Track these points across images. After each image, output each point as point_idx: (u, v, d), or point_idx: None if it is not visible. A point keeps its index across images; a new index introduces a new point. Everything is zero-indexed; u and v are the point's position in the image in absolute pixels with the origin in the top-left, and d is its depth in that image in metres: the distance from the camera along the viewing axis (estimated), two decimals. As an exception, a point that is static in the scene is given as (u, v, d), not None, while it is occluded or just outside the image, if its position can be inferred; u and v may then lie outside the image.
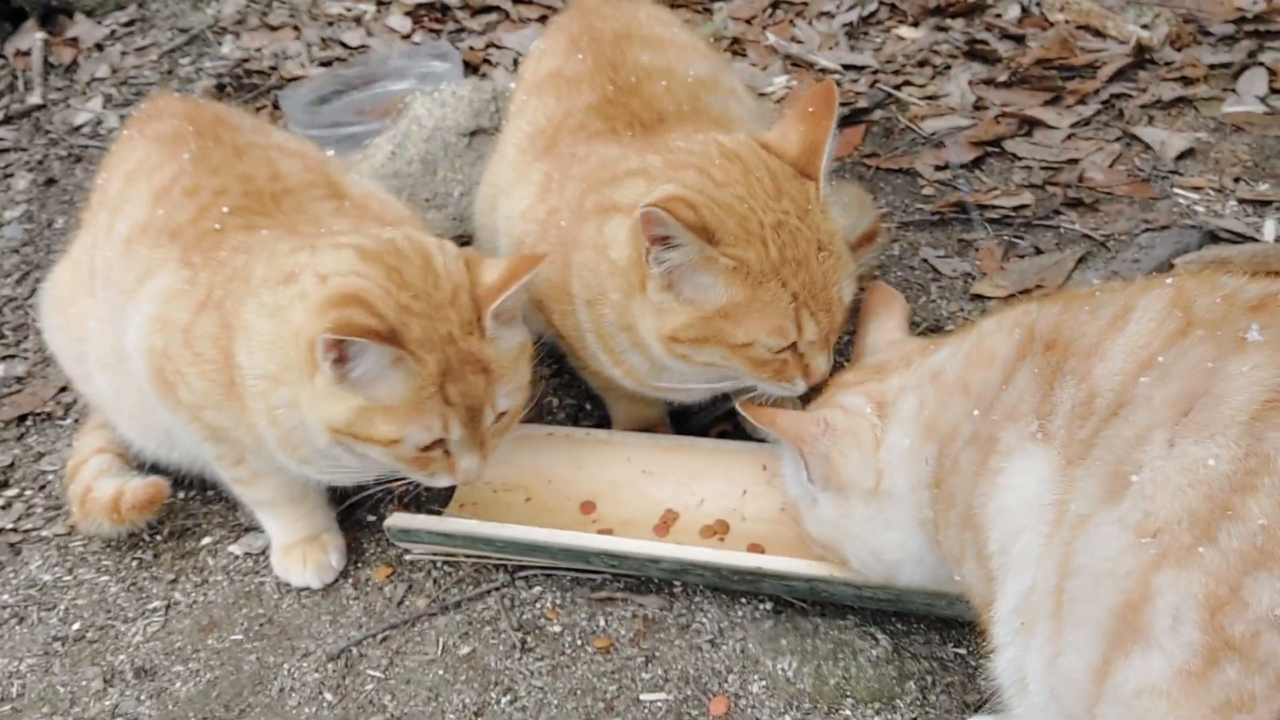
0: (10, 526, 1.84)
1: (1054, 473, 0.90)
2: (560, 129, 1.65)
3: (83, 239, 1.75)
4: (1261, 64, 2.47)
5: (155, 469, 1.79)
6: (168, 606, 1.64)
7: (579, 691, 1.42)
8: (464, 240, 2.12)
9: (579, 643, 1.49)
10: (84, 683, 1.53)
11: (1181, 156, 2.24)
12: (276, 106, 2.91)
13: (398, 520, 1.56)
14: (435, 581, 1.62)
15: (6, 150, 3.06)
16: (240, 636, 1.57)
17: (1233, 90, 2.41)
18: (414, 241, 1.37)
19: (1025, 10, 2.91)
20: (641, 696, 1.40)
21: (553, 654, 1.48)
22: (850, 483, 1.16)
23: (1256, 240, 1.96)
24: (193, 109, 1.69)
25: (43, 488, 1.91)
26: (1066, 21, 2.81)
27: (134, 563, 1.73)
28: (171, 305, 1.45)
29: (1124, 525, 0.79)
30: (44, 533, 1.82)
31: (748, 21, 3.13)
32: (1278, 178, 2.12)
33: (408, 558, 1.64)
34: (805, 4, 3.17)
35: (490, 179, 1.80)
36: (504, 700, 1.42)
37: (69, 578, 1.72)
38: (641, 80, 1.61)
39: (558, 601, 1.55)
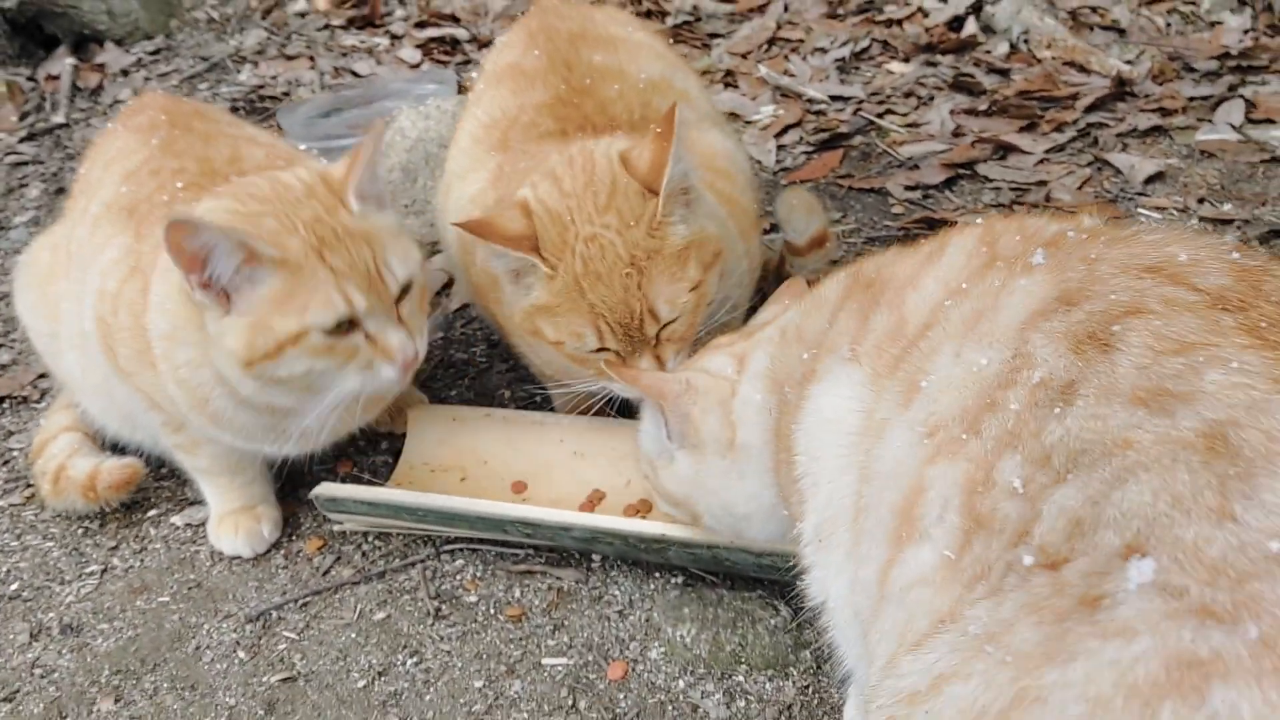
0: (-34, 495, 1.88)
1: (859, 390, 0.90)
2: (514, 124, 1.69)
3: (63, 225, 1.82)
4: (1241, 96, 2.47)
5: (117, 448, 1.83)
6: (104, 570, 1.67)
7: (484, 655, 1.42)
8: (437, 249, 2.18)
9: (492, 611, 1.49)
10: (11, 636, 1.56)
11: (1150, 180, 2.24)
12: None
13: (325, 489, 1.58)
14: (364, 554, 1.63)
15: (25, 163, 3.19)
16: (167, 599, 1.59)
17: (1209, 120, 2.41)
18: (283, 174, 1.43)
19: (1014, 47, 2.95)
20: (543, 661, 1.39)
21: (465, 621, 1.48)
22: (708, 439, 1.17)
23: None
24: (173, 103, 1.77)
25: (6, 463, 1.95)
26: (1054, 58, 2.85)
27: (79, 530, 1.76)
28: (109, 275, 1.51)
29: (912, 426, 0.80)
30: (0, 503, 1.86)
31: (743, 56, 3.20)
32: (1243, 199, 2.11)
33: (338, 529, 1.65)
34: (801, 41, 3.24)
35: (448, 167, 1.85)
36: (409, 662, 1.42)
37: (15, 543, 1.76)
38: (595, 82, 1.66)
39: (479, 574, 1.56)
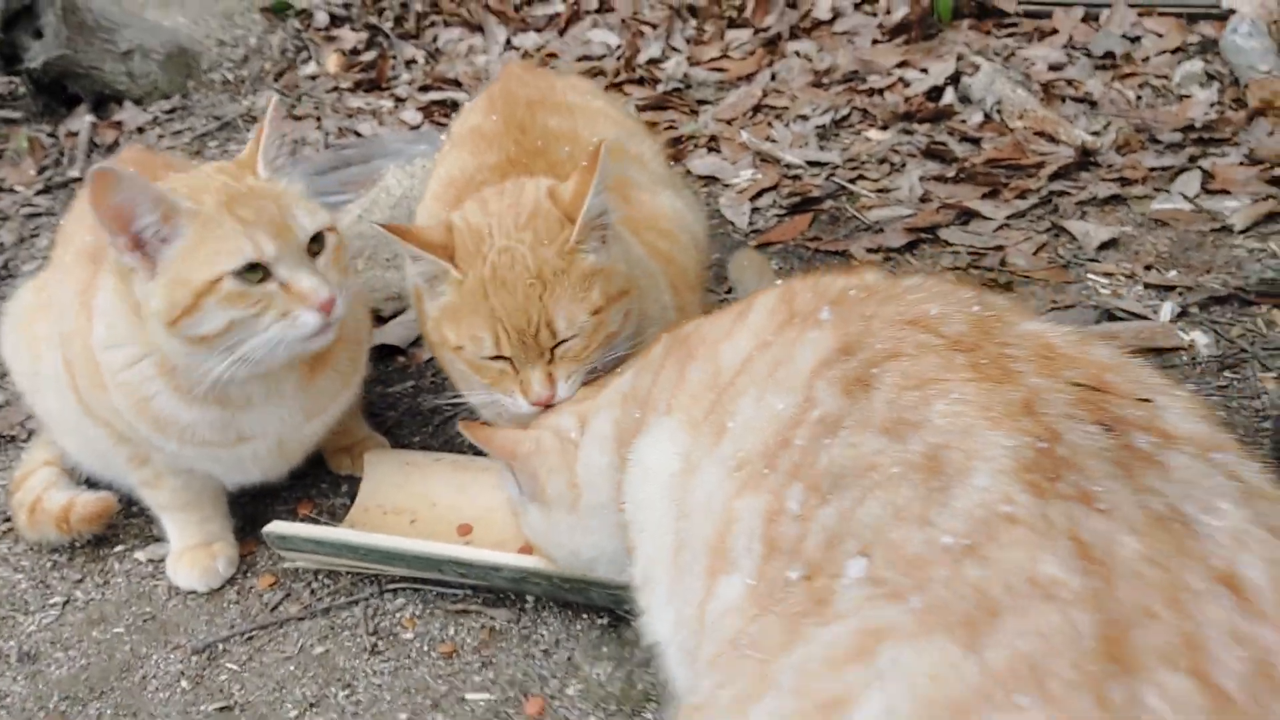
0: (-54, 529, 1.97)
1: (677, 436, 0.97)
2: (469, 183, 1.78)
3: (46, 272, 1.93)
4: (1200, 167, 2.54)
5: (91, 484, 1.92)
6: (66, 602, 1.74)
7: (412, 690, 1.47)
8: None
9: (425, 648, 1.55)
10: (-29, 662, 1.63)
11: (1104, 246, 2.30)
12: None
13: (276, 527, 1.65)
14: (312, 591, 1.70)
15: (39, 215, 3.34)
16: (122, 630, 1.66)
17: (1166, 190, 2.47)
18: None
19: (988, 117, 3.03)
20: (467, 696, 1.45)
21: (399, 657, 1.53)
22: (553, 497, 1.24)
23: (1149, 320, 2.00)
24: (146, 156, 1.88)
25: (-13, 497, 2.04)
26: (1025, 127, 2.92)
27: (48, 563, 1.84)
28: (67, 315, 1.61)
29: (722, 463, 0.86)
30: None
31: (729, 122, 3.30)
32: (1189, 267, 2.17)
33: (289, 566, 1.72)
34: (786, 108, 3.34)
35: (415, 223, 1.95)
36: (341, 694, 1.48)
37: (-13, 574, 1.84)
38: (547, 143, 1.75)
39: (417, 612, 1.62)
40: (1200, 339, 1.93)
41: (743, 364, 0.93)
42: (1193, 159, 2.59)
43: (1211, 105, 2.84)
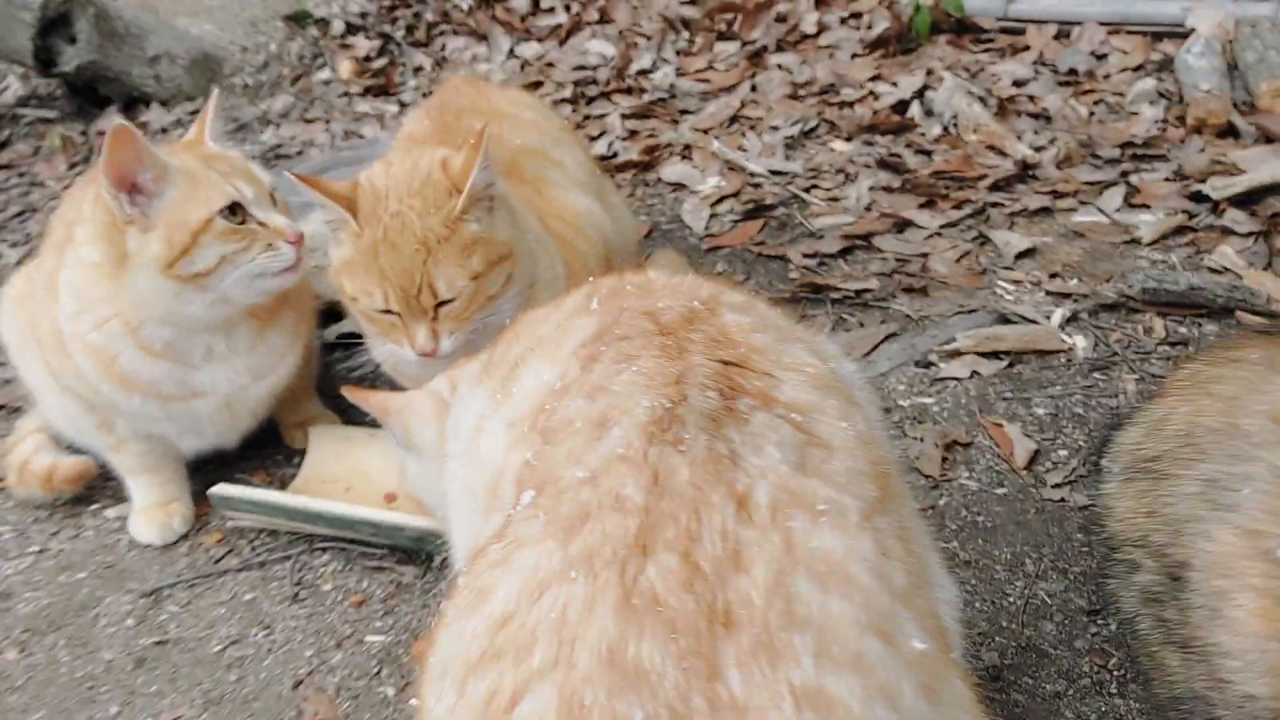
0: (-53, 484, 2.22)
1: (480, 401, 1.14)
2: None
3: (36, 259, 2.17)
4: (1128, 182, 2.66)
5: (74, 450, 2.15)
6: (40, 551, 1.97)
7: (321, 632, 1.67)
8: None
9: (340, 598, 1.75)
10: (-47, 597, 1.86)
11: (1021, 255, 2.44)
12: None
13: (219, 489, 1.87)
14: (253, 548, 1.90)
15: (65, 208, 3.61)
16: (84, 575, 1.88)
17: (1092, 203, 2.60)
18: None
19: (945, 130, 3.17)
20: (366, 638, 1.64)
21: (316, 605, 1.74)
22: (423, 447, 1.40)
23: (1037, 324, 2.14)
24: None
25: (-11, 460, 2.29)
26: (978, 141, 3.06)
27: (30, 518, 2.07)
28: (39, 297, 1.84)
29: (503, 423, 1.03)
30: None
31: (705, 131, 3.47)
32: (1092, 276, 2.30)
33: (236, 526, 1.93)
34: (760, 119, 3.50)
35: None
36: (260, 634, 1.69)
37: (-22, 526, 2.08)
38: (464, 140, 1.94)
39: (338, 568, 1.82)
40: (1081, 343, 2.06)
41: (537, 342, 1.11)
42: (1124, 174, 2.71)
43: (1156, 122, 2.96)
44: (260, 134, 3.96)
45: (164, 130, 4.05)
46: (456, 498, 1.16)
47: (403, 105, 4.04)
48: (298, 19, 4.53)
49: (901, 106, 3.36)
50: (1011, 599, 1.56)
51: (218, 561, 1.88)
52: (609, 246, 2.00)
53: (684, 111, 3.66)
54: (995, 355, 2.08)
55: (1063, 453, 1.81)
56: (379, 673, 1.58)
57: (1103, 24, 3.55)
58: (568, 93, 3.82)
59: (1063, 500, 1.71)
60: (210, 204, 1.68)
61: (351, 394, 1.46)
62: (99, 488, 2.13)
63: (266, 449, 2.14)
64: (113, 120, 4.09)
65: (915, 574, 0.78)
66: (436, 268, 1.59)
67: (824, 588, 0.70)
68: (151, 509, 1.95)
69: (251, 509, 1.86)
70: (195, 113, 4.18)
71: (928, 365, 2.10)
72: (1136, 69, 3.32)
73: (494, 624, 0.73)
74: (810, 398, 0.86)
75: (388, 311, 1.64)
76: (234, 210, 1.70)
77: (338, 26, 4.49)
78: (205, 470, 2.06)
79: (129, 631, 1.73)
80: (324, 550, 1.86)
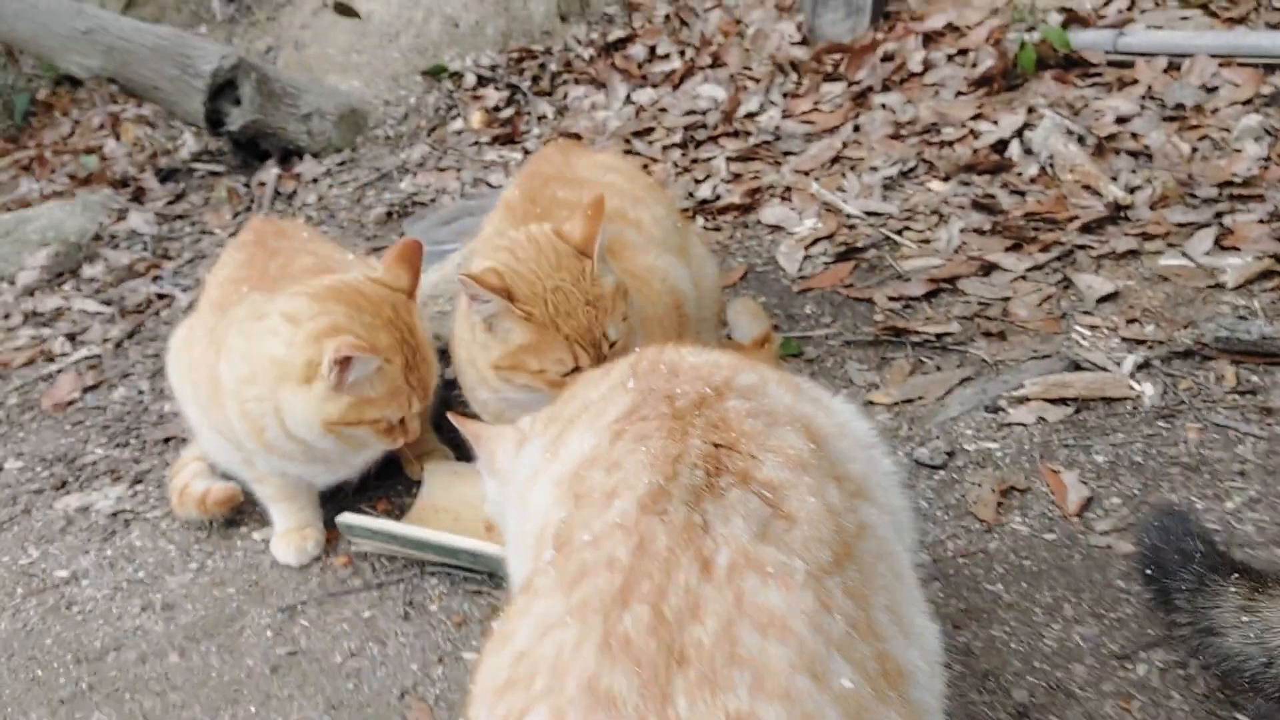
0: (129, 509, 2.57)
1: (536, 454, 1.32)
2: (490, 244, 2.22)
3: (195, 314, 2.49)
4: (1221, 223, 2.67)
5: (226, 478, 2.47)
6: (199, 568, 2.29)
7: (426, 648, 1.91)
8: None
9: (444, 618, 1.98)
10: (128, 607, 2.19)
11: (1103, 300, 2.50)
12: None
13: (345, 518, 2.14)
14: (374, 570, 2.16)
15: (228, 254, 4.03)
16: (233, 590, 2.18)
17: (1179, 246, 2.63)
18: (347, 280, 2.00)
19: (1043, 170, 3.22)
20: (464, 655, 1.87)
21: (423, 623, 1.98)
22: (502, 474, 1.59)
23: (1107, 371, 2.20)
24: (265, 225, 2.42)
25: (159, 485, 2.64)
26: (1074, 180, 3.10)
27: (192, 539, 2.39)
28: (197, 348, 2.14)
29: (550, 479, 1.22)
30: (147, 515, 2.53)
31: (806, 173, 3.62)
32: (1171, 322, 2.34)
33: (357, 550, 2.20)
34: (861, 159, 3.62)
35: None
36: (375, 648, 1.94)
37: (150, 544, 2.41)
38: (548, 210, 2.17)
39: (444, 590, 2.05)
40: (1149, 390, 2.12)
41: (586, 407, 1.29)
42: (1218, 215, 2.72)
43: (1257, 160, 2.94)
44: (399, 183, 4.31)
45: (314, 180, 4.46)
46: (512, 537, 1.36)
47: (526, 152, 4.32)
48: (434, 73, 4.90)
49: (1001, 146, 3.41)
50: (1047, 641, 1.65)
51: (344, 582, 2.15)
52: (678, 298, 2.19)
53: (787, 153, 3.81)
54: (1062, 402, 2.16)
55: (1115, 500, 1.89)
56: (472, 686, 1.80)
57: (1214, 56, 3.51)
58: (678, 137, 4.02)
59: (1108, 547, 1.79)
60: (388, 410, 1.96)
61: (455, 419, 1.67)
62: (248, 512, 2.43)
63: (388, 480, 2.41)
64: (270, 174, 4.53)
65: (860, 625, 0.93)
66: (605, 319, 1.86)
67: (764, 635, 0.87)
68: (290, 533, 2.24)
69: (371, 536, 2.12)
70: (342, 164, 4.59)
71: (996, 410, 2.20)
72: (1245, 103, 3.28)
73: (513, 660, 0.93)
74: (785, 476, 1.03)
75: (574, 370, 1.87)
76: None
77: (470, 79, 4.83)
78: (337, 498, 2.34)
79: (268, 641, 2.01)
80: (433, 574, 2.10)
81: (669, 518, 0.97)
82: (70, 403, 3.12)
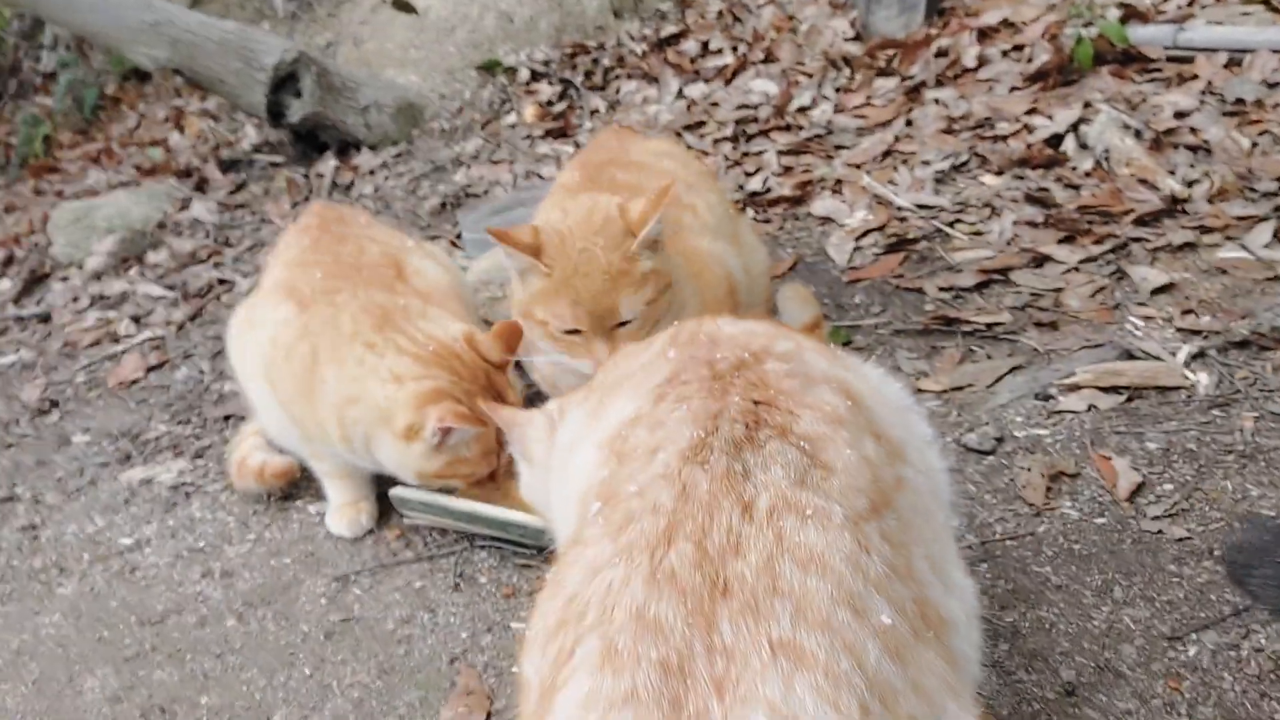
0: (190, 482, 2.65)
1: (578, 422, 1.35)
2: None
3: (253, 295, 2.54)
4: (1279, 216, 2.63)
5: (281, 451, 2.53)
6: (256, 539, 2.35)
7: (476, 618, 1.95)
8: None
9: (493, 590, 2.02)
10: (190, 575, 2.26)
11: (1158, 291, 2.47)
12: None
13: (397, 491, 2.18)
14: (425, 542, 2.21)
15: (287, 242, 4.11)
16: (289, 560, 2.24)
17: (1238, 239, 2.59)
18: (450, 340, 2.04)
19: (1098, 164, 3.19)
20: (512, 624, 1.91)
21: (472, 594, 2.02)
22: (536, 458, 1.62)
23: (1161, 360, 2.18)
24: (326, 210, 2.48)
25: (219, 460, 2.71)
26: (1130, 174, 3.07)
27: (250, 511, 2.46)
28: (278, 332, 2.19)
29: (592, 442, 1.24)
30: (208, 488, 2.61)
31: (857, 166, 3.62)
32: (1228, 313, 2.31)
33: (409, 523, 2.24)
34: (914, 154, 3.61)
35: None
36: (426, 616, 1.98)
37: (210, 516, 2.48)
38: (613, 191, 2.20)
39: (494, 564, 2.09)
40: (1204, 380, 2.10)
41: (627, 376, 1.32)
42: (1278, 209, 2.68)
43: (1321, 154, 2.89)
44: (454, 175, 4.37)
45: (371, 172, 4.54)
46: (557, 502, 1.39)
47: (577, 146, 4.36)
48: (489, 67, 4.97)
49: (1055, 140, 3.38)
50: (1096, 623, 1.65)
51: (395, 554, 2.19)
52: (733, 283, 2.20)
53: (839, 147, 3.81)
54: (1114, 390, 2.15)
55: (1168, 486, 1.87)
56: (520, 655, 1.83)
57: (1276, 52, 3.46)
58: (729, 131, 4.04)
59: (1160, 532, 1.78)
60: (479, 468, 2.05)
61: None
62: (304, 486, 2.50)
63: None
64: (329, 165, 4.62)
65: (900, 569, 0.95)
66: (620, 295, 1.87)
67: (804, 570, 0.89)
68: (344, 507, 2.29)
69: (424, 510, 2.16)
70: (398, 156, 4.66)
71: (1047, 398, 2.19)
72: (1309, 98, 3.23)
73: (564, 603, 0.96)
74: (822, 429, 1.05)
75: (573, 331, 1.90)
76: None
77: (524, 74, 4.89)
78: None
79: (322, 609, 2.06)
80: (483, 548, 2.14)
81: (710, 466, 0.99)
82: (135, 381, 3.22)
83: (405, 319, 2.11)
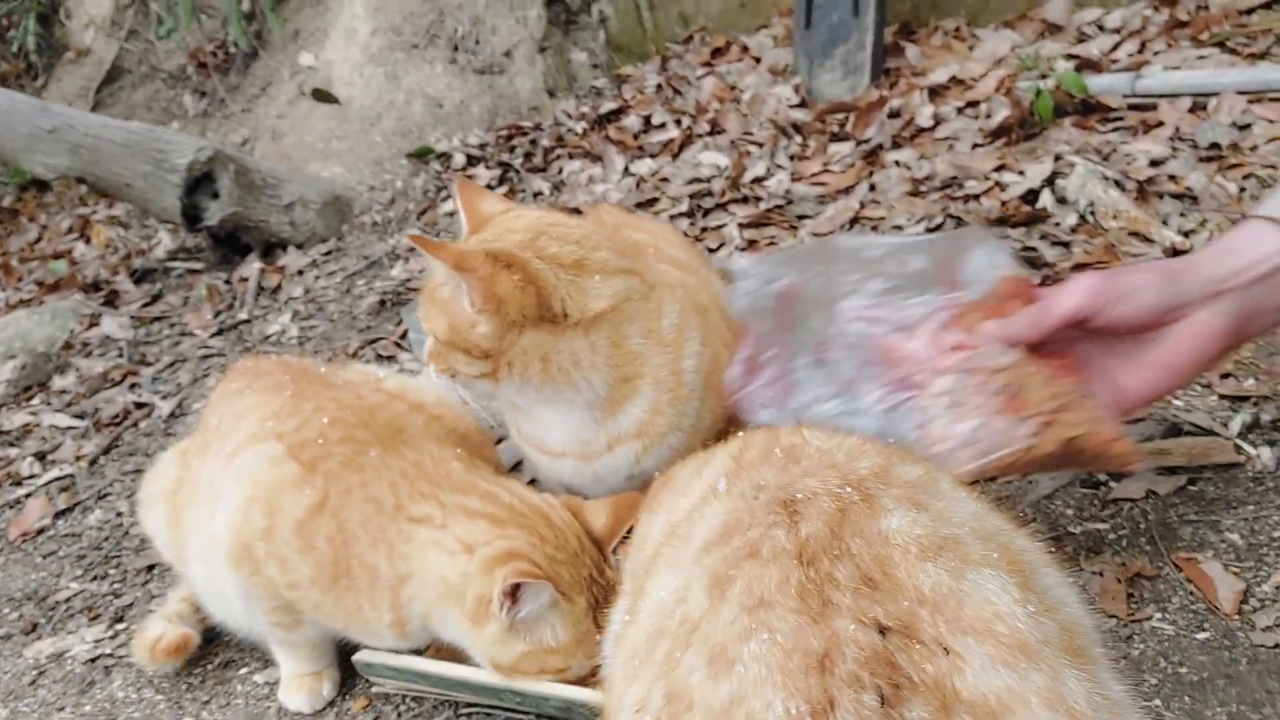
0: (109, 652, 2.26)
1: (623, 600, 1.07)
2: None
3: (187, 455, 2.09)
4: (1296, 263, 2.46)
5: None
6: (194, 721, 1.98)
7: (470, 812, 1.61)
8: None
9: (487, 773, 1.68)
10: (114, 775, 1.87)
11: (1184, 353, 2.26)
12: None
13: (363, 655, 1.84)
14: (399, 714, 1.86)
15: (211, 356, 3.77)
16: (236, 747, 1.87)
17: (1257, 290, 2.41)
18: (530, 503, 1.71)
19: (1082, 219, 3.03)
20: (516, 819, 1.57)
21: (463, 778, 1.68)
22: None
23: (1215, 435, 1.96)
24: (283, 364, 2.08)
25: (142, 622, 2.33)
26: (1119, 228, 2.91)
27: (184, 686, 2.08)
28: (278, 496, 1.76)
29: (625, 649, 0.95)
30: (130, 659, 2.22)
31: (826, 235, 3.41)
32: (1270, 374, 2.11)
33: (381, 692, 1.90)
34: (883, 218, 3.42)
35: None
36: (409, 813, 1.63)
37: (135, 695, 2.10)
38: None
39: (485, 737, 1.76)
40: (1266, 454, 1.88)
41: (671, 531, 1.01)
42: (1290, 255, 2.51)
43: (1317, 195, 2.75)
44: (390, 270, 4.07)
45: (299, 273, 4.22)
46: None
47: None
48: (421, 155, 4.70)
49: (1031, 196, 3.22)
50: (1232, 769, 1.38)
51: (364, 730, 1.85)
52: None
53: (801, 217, 3.61)
54: (1170, 471, 1.91)
55: (1266, 588, 1.63)
56: None
57: (1241, 93, 3.36)
58: (684, 206, 3.82)
59: (1278, 646, 1.53)
60: (573, 661, 1.65)
61: None
62: (248, 650, 2.14)
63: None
64: (253, 268, 4.28)
65: None
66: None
67: None
68: (303, 678, 1.93)
69: (395, 675, 1.82)
70: (328, 253, 4.36)
71: (1096, 485, 1.94)
72: (1286, 137, 3.12)
73: None
74: (1004, 684, 0.67)
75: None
76: None
77: (459, 159, 4.64)
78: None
79: (280, 811, 1.70)
80: (470, 715, 1.81)
81: None
82: (40, 531, 2.82)
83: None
